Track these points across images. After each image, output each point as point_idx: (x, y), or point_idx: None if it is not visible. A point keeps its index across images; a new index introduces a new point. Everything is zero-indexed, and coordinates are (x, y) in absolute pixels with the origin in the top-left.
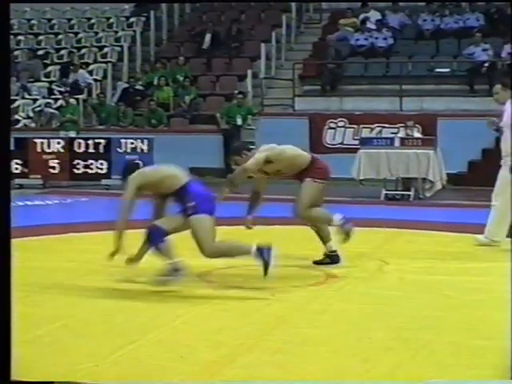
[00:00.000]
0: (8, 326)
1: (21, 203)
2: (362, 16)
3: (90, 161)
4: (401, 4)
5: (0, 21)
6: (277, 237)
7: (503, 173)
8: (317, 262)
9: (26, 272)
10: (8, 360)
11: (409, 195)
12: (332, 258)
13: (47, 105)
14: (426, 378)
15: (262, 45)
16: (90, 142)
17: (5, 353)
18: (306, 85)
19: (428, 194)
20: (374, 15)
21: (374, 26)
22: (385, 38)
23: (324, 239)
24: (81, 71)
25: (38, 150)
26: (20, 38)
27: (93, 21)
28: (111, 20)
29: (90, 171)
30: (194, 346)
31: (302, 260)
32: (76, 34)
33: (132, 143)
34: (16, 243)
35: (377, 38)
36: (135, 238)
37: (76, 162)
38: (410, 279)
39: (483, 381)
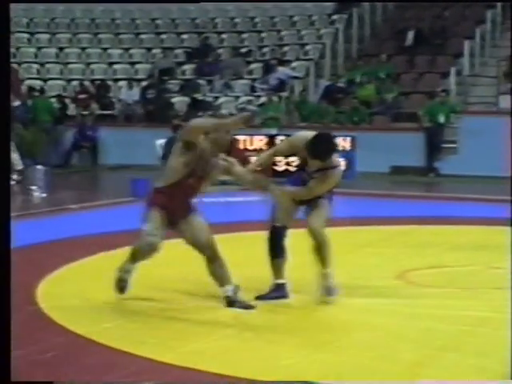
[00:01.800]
0: (8, 326)
1: (223, 199)
2: None
3: (292, 158)
4: None
5: (0, 21)
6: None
7: None
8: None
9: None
10: (8, 360)
11: None
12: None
13: (249, 102)
14: None
15: (466, 41)
16: None
17: (5, 353)
18: (510, 82)
19: None
20: None
21: None
22: None
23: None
24: (281, 68)
25: (241, 146)
26: (223, 36)
27: (295, 18)
28: (313, 17)
29: (291, 168)
30: (395, 345)
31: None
32: (278, 31)
33: None
34: (219, 238)
35: None
36: None
37: (278, 158)
38: None
39: (483, 381)
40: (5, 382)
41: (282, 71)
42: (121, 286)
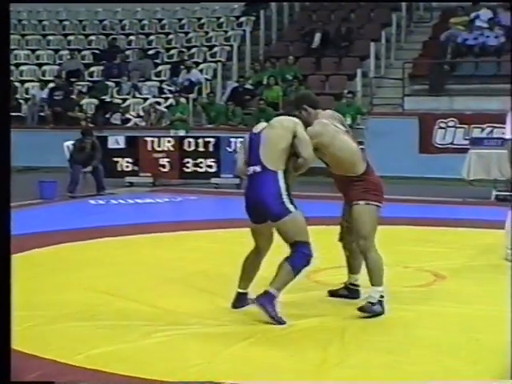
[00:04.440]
0: (8, 326)
1: (131, 201)
2: (473, 14)
3: (200, 159)
4: None
5: (0, 21)
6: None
7: None
8: (332, 293)
9: (137, 268)
10: (8, 360)
11: None
12: (351, 292)
13: (157, 104)
14: None
15: (372, 44)
16: (200, 140)
17: (5, 353)
18: (415, 84)
19: None
20: (486, 13)
21: (485, 25)
22: (496, 37)
23: (353, 269)
24: (194, 71)
25: (149, 148)
26: (131, 38)
27: (203, 20)
28: (221, 20)
29: (199, 170)
30: (304, 345)
31: (410, 261)
32: (186, 33)
33: (241, 142)
34: (127, 240)
35: (488, 37)
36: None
37: (186, 160)
38: None
39: (483, 381)
40: (5, 382)
41: (195, 74)
42: None
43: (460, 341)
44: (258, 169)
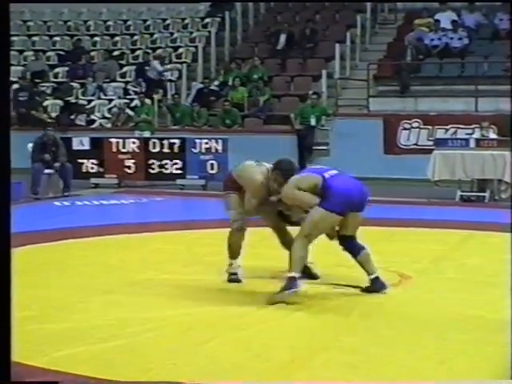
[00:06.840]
0: (8, 326)
1: (96, 202)
2: (437, 16)
3: (165, 161)
4: (477, 3)
5: (0, 21)
6: None
7: None
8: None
9: (102, 270)
10: (8, 360)
11: (484, 197)
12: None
13: (124, 105)
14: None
15: (337, 45)
16: (165, 142)
17: (5, 353)
18: (380, 85)
19: (504, 196)
20: (450, 15)
21: (449, 26)
22: (460, 38)
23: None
24: (154, 62)
25: (114, 149)
26: (96, 38)
27: (168, 21)
28: (186, 21)
29: (164, 171)
30: (270, 345)
31: (375, 261)
32: (151, 34)
33: (206, 143)
34: (92, 242)
35: (452, 38)
36: None
37: (151, 161)
38: (485, 281)
39: (483, 381)
40: (5, 381)
41: (154, 67)
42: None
43: (426, 341)
44: (335, 170)
